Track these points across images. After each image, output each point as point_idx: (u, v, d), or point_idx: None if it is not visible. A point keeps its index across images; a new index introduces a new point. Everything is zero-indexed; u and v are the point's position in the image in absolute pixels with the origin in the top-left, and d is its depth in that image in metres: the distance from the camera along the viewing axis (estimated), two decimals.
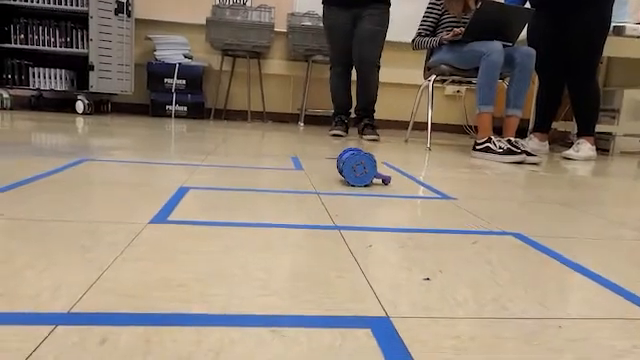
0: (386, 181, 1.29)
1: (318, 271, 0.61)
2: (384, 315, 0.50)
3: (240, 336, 0.44)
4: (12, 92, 3.48)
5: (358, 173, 1.21)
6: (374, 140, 2.82)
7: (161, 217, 0.81)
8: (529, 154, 2.05)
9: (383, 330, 0.47)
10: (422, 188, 1.30)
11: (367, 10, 2.83)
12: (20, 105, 3.71)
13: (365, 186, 1.23)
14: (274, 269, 0.61)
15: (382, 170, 1.59)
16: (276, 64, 4.14)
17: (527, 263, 0.70)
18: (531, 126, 3.15)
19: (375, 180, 1.27)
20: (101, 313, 0.46)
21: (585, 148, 2.46)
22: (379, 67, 2.93)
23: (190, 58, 3.84)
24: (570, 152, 2.48)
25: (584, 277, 0.66)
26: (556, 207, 1.15)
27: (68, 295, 0.49)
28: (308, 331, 0.45)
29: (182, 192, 1.02)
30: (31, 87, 3.48)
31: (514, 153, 2.04)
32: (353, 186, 1.23)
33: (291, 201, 1.02)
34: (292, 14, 3.89)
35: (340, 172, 1.26)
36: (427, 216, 0.97)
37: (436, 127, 3.22)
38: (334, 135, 2.95)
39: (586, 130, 2.52)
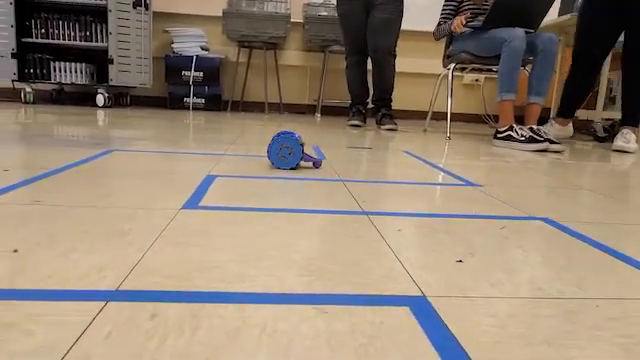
0: (316, 164, 1.27)
1: (351, 253, 0.62)
2: (420, 294, 0.51)
3: (283, 313, 0.45)
4: (34, 86, 3.54)
5: (284, 156, 1.20)
6: (392, 130, 2.81)
7: (193, 203, 0.83)
8: (552, 142, 2.02)
9: (421, 308, 0.48)
10: (446, 176, 1.30)
11: None
12: (42, 99, 3.78)
13: (292, 169, 1.22)
14: (308, 252, 0.62)
15: (400, 159, 1.59)
16: (292, 55, 4.14)
17: (558, 247, 0.70)
18: (553, 112, 3.09)
19: (304, 163, 1.26)
20: (147, 291, 0.48)
21: (633, 138, 2.32)
22: (395, 56, 2.91)
23: (207, 50, 3.86)
24: (621, 144, 2.29)
25: (617, 260, 0.66)
26: (583, 193, 1.14)
27: (113, 275, 0.51)
28: (349, 308, 0.46)
29: (209, 180, 1.04)
30: (52, 81, 3.53)
31: (537, 141, 2.01)
32: (279, 168, 1.21)
33: (318, 188, 1.03)
34: (308, 4, 3.88)
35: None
36: (454, 202, 0.97)
37: (454, 117, 3.19)
38: (352, 125, 2.96)
39: (634, 120, 2.37)
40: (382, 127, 2.88)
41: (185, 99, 3.80)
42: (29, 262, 0.53)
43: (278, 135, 1.22)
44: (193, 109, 3.81)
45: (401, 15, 2.87)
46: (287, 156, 1.20)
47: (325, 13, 3.79)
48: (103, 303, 0.44)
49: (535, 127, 2.09)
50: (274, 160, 1.22)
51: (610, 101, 3.37)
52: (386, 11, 2.80)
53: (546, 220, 0.85)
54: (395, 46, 2.89)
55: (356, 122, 2.97)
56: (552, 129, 2.61)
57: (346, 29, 2.99)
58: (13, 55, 3.37)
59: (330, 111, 4.10)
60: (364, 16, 2.86)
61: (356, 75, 3.06)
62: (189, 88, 3.78)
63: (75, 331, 0.39)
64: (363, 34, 2.88)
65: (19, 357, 0.35)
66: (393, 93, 3.00)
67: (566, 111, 2.68)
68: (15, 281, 0.48)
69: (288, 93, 4.19)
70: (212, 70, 3.78)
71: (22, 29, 3.41)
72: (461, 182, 1.20)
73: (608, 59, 2.87)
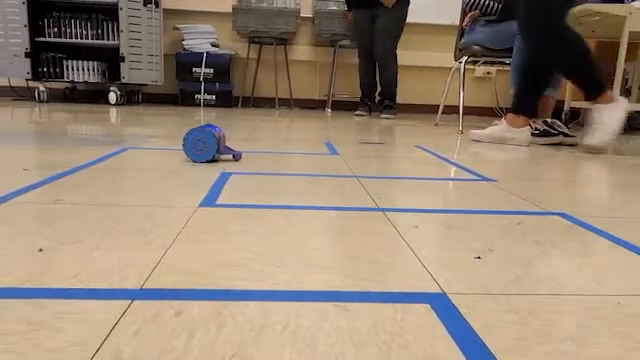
0: (236, 157, 1.27)
1: (369, 250, 0.62)
2: (440, 292, 0.51)
3: (305, 310, 0.45)
4: (47, 85, 3.59)
5: (198, 149, 1.20)
6: (388, 119, 3.26)
7: (209, 201, 0.84)
8: (566, 135, 2.00)
9: (442, 305, 0.48)
10: (460, 170, 1.29)
11: (382, 7, 3.21)
12: (55, 97, 3.82)
13: (209, 162, 1.21)
14: (327, 249, 0.62)
15: (413, 154, 1.59)
16: (302, 50, 4.14)
17: (576, 242, 0.70)
18: (567, 104, 3.04)
19: (224, 156, 1.26)
20: (170, 289, 0.49)
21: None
22: (395, 57, 3.34)
23: (217, 47, 3.87)
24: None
25: (637, 255, 0.65)
26: (600, 187, 1.13)
27: (137, 274, 0.52)
28: (369, 306, 0.47)
29: (225, 177, 1.05)
30: (65, 79, 3.57)
31: (551, 134, 1.99)
32: (195, 162, 1.21)
33: (332, 185, 1.03)
34: None
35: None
36: (469, 198, 0.97)
37: (466, 110, 3.18)
38: (357, 115, 3.46)
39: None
40: (381, 115, 3.37)
41: (196, 96, 3.83)
42: (54, 261, 0.54)
43: (194, 129, 1.22)
44: (204, 106, 3.83)
45: (403, 17, 3.26)
46: (203, 149, 1.20)
47: (335, 7, 3.77)
48: (128, 301, 0.45)
49: (549, 120, 2.07)
50: (189, 153, 1.21)
51: (626, 92, 3.32)
52: (387, 18, 3.21)
53: (563, 215, 0.85)
54: (395, 48, 3.30)
55: (360, 112, 3.50)
56: None
57: (357, 36, 3.48)
58: (27, 54, 3.41)
59: (341, 106, 4.09)
60: (370, 23, 3.30)
61: (366, 72, 3.50)
62: (200, 85, 3.80)
63: (103, 329, 0.40)
64: (370, 38, 3.32)
65: (53, 354, 0.36)
66: (397, 87, 3.42)
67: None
68: (43, 279, 0.49)
69: (298, 88, 4.19)
70: (222, 66, 3.80)
71: (35, 28, 3.44)
72: (475, 177, 1.19)
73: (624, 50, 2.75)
